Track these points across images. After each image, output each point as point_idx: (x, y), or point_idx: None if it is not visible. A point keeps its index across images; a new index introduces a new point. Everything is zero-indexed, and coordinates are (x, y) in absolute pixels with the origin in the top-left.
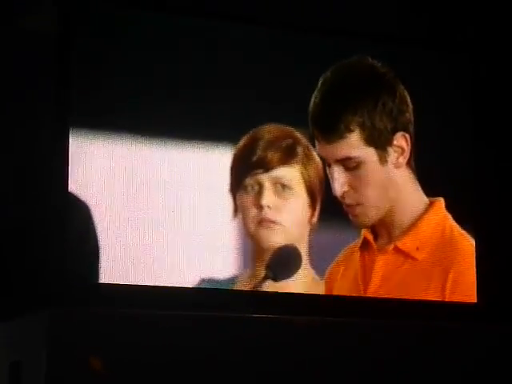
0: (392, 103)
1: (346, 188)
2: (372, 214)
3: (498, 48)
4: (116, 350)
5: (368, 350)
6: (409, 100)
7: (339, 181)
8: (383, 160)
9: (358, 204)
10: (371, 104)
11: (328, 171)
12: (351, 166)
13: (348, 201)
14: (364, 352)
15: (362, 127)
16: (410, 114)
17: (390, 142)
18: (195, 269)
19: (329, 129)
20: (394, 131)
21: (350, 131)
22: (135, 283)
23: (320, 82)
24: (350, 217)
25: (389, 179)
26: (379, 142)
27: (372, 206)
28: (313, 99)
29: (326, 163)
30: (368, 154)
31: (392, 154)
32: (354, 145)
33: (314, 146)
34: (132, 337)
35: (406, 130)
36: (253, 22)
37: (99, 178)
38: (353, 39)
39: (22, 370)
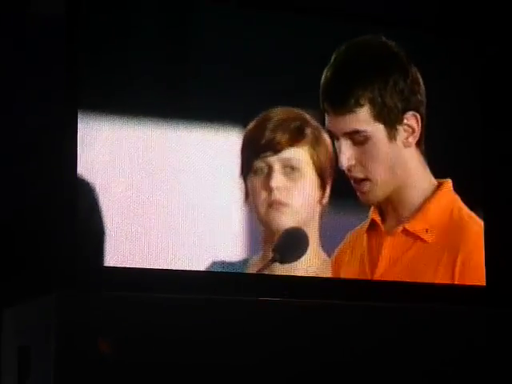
0: (403, 83)
1: (352, 162)
2: (380, 192)
3: (507, 32)
4: (125, 334)
5: (374, 334)
6: (421, 81)
7: (346, 154)
8: (392, 137)
9: (366, 179)
10: (382, 81)
11: (336, 145)
12: (359, 140)
13: (355, 174)
14: (370, 335)
15: (372, 103)
16: (421, 96)
17: (400, 121)
18: (206, 252)
19: (339, 102)
20: (405, 110)
21: (360, 106)
22: (144, 267)
23: (333, 57)
24: (358, 194)
25: (396, 157)
26: (388, 118)
27: (379, 183)
28: (325, 73)
29: (335, 137)
30: (376, 129)
31: (401, 133)
32: (363, 119)
33: (323, 123)
34: (141, 320)
35: (417, 110)
36: (264, 4)
37: (107, 162)
38: (364, 23)
39: (31, 354)
